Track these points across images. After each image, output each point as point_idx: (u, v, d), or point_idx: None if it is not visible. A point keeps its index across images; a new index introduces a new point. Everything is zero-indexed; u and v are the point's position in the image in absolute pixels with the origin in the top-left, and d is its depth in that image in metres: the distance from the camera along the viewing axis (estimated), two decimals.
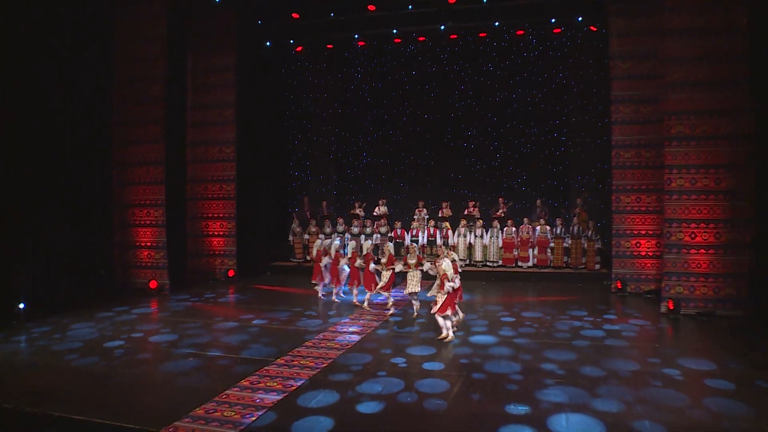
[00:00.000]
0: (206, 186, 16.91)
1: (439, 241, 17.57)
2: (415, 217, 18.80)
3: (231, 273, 16.62)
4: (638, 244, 14.29)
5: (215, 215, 16.91)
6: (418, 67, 19.98)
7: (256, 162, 18.11)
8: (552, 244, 16.81)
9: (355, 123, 20.59)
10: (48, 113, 13.29)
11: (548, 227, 16.97)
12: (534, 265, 16.87)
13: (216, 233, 16.94)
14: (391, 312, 12.33)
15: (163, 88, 14.53)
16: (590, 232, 16.41)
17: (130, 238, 15.03)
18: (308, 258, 18.44)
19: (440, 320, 10.39)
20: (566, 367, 8.99)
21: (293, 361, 9.39)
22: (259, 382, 8.47)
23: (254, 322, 11.83)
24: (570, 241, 16.68)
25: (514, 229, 17.11)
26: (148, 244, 14.93)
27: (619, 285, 14.28)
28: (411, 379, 8.49)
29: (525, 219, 17.21)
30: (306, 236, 18.44)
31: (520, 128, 19.35)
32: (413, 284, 11.99)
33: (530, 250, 16.95)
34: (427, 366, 9.08)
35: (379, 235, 18.01)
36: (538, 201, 18.15)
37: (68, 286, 13.59)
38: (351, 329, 11.25)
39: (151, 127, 14.71)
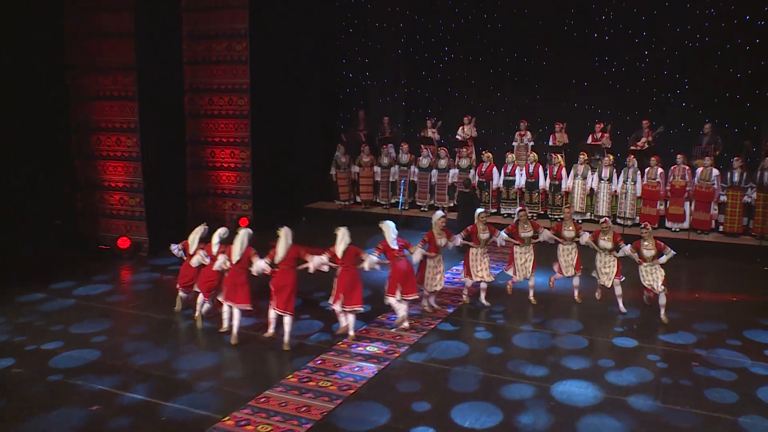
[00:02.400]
0: (210, 98, 14.55)
1: (543, 183, 14.09)
2: (515, 143, 15.51)
3: (244, 222, 14.31)
4: None
5: (224, 140, 14.63)
6: None
7: (285, 61, 15.28)
8: (723, 198, 13.15)
9: (433, 2, 17.15)
10: None
11: (717, 170, 13.18)
12: (690, 229, 13.16)
13: (225, 165, 14.73)
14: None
15: None
16: None
17: (95, 176, 13.07)
18: (358, 200, 15.73)
19: (391, 301, 9.22)
20: None
21: (249, 422, 6.79)
22: None
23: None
24: (755, 195, 12.84)
25: (660, 170, 13.44)
26: (120, 184, 12.95)
27: None
28: None
29: (680, 155, 13.42)
30: (355, 169, 15.65)
31: (686, 7, 15.08)
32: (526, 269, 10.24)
33: (686, 205, 13.32)
34: None
35: (457, 171, 14.77)
36: (707, 126, 14.14)
37: (8, 243, 11.75)
38: (369, 349, 8.64)
39: (118, 12, 12.18)
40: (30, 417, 6.92)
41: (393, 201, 15.38)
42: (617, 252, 9.73)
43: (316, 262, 8.72)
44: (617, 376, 7.77)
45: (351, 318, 8.85)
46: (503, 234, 10.13)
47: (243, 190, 14.58)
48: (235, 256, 8.81)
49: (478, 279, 9.97)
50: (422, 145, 15.34)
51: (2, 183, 12.01)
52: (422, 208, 15.20)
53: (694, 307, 10.05)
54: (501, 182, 14.47)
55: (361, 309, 8.93)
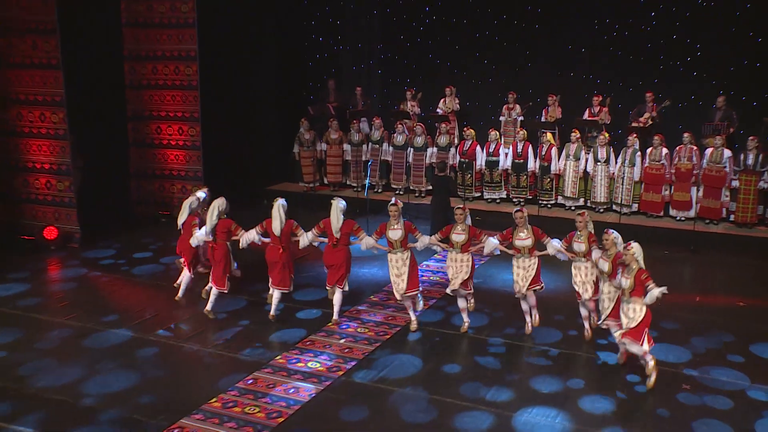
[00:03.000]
0: (155, 66, 13.80)
1: (532, 165, 13.41)
2: (502, 118, 14.81)
3: None
4: None
5: (170, 114, 13.95)
6: None
7: (240, 23, 14.55)
8: (735, 183, 12.47)
9: None
10: None
11: (730, 151, 12.47)
12: (697, 218, 12.51)
13: (173, 143, 14.04)
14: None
15: None
16: None
17: (16, 156, 12.40)
18: (326, 181, 15.06)
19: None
20: None
21: None
22: None
23: (157, 332, 8.86)
24: None
25: (665, 150, 12.73)
26: (46, 165, 12.25)
27: None
28: None
29: (686, 134, 12.73)
30: (322, 146, 14.94)
31: None
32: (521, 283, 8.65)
33: (693, 191, 12.69)
34: None
35: (435, 150, 14.07)
36: (721, 99, 13.37)
37: None
38: (311, 365, 8.03)
39: None
40: None
41: (365, 183, 14.74)
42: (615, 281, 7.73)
43: (247, 237, 8.98)
44: (592, 402, 7.12)
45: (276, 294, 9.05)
46: (493, 240, 8.58)
47: (193, 171, 13.88)
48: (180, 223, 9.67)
49: (452, 289, 8.63)
50: (397, 120, 14.61)
51: None
52: (398, 192, 14.54)
53: (694, 314, 9.35)
54: (484, 163, 13.77)
55: (287, 290, 9.06)
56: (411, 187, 14.34)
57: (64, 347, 8.44)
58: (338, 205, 8.83)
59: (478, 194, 14.03)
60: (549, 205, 13.45)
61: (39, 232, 11.97)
